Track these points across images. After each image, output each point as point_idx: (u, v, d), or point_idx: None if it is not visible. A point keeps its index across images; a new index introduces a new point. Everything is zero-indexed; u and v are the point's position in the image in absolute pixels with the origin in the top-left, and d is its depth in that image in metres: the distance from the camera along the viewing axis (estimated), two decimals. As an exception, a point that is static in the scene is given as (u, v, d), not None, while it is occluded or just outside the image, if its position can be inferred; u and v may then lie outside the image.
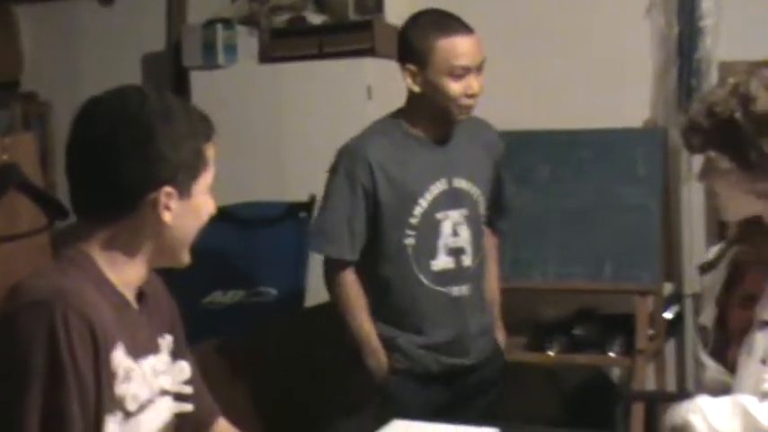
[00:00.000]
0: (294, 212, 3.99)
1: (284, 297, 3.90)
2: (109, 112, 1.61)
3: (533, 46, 4.20)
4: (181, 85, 4.47)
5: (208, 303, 3.87)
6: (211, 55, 4.35)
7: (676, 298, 4.07)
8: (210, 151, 1.66)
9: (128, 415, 1.58)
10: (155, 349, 1.69)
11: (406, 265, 2.68)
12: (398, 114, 2.76)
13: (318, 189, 3.87)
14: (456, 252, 2.73)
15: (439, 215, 2.70)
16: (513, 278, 3.72)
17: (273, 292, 3.90)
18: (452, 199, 2.72)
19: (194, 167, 1.62)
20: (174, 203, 1.60)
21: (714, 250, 2.22)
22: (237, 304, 3.89)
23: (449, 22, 2.61)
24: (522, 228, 3.85)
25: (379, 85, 4.21)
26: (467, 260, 2.75)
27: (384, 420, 2.27)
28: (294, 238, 3.95)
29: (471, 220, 2.75)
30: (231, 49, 4.35)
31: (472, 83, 2.61)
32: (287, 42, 4.33)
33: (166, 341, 1.74)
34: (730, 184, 1.94)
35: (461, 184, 2.73)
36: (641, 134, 3.99)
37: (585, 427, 2.28)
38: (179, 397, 1.75)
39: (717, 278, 2.15)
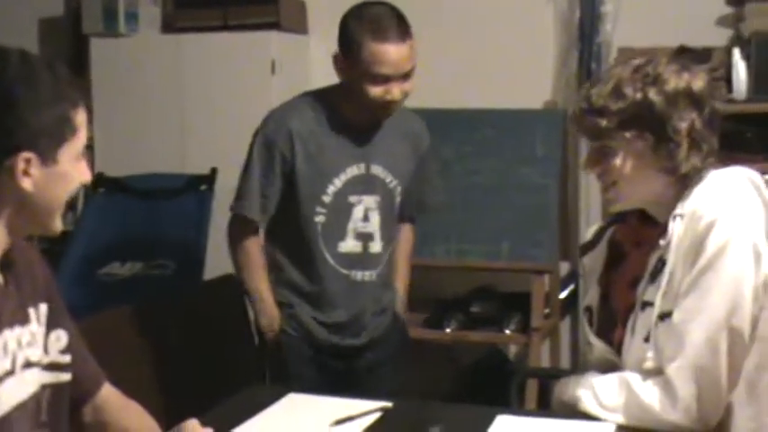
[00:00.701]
0: (195, 185, 3.95)
1: (183, 270, 3.86)
2: None
3: (438, 26, 4.21)
4: (80, 52, 4.38)
5: (105, 275, 3.80)
6: (112, 23, 4.27)
7: (572, 277, 4.16)
8: (79, 117, 1.60)
9: None
10: (23, 320, 1.65)
11: (314, 241, 2.69)
12: (330, 92, 2.74)
13: (220, 162, 3.87)
14: (364, 237, 2.74)
15: (352, 198, 2.71)
16: (413, 255, 3.73)
17: (172, 264, 3.86)
18: (367, 184, 2.72)
19: (59, 133, 1.56)
20: (35, 170, 1.55)
21: (592, 230, 2.25)
22: (135, 276, 3.84)
23: (384, 27, 2.56)
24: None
25: (284, 60, 4.19)
26: (374, 246, 2.76)
27: (281, 393, 2.26)
28: (194, 210, 3.91)
29: (383, 208, 2.76)
30: (133, 18, 4.28)
31: (393, 90, 2.59)
32: (190, 13, 4.28)
33: (40, 311, 1.70)
34: (644, 164, 1.97)
35: (378, 171, 2.73)
36: (542, 115, 4.06)
37: (481, 402, 2.32)
38: (55, 367, 1.72)
39: (598, 258, 2.18)
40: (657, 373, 1.94)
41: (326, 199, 2.68)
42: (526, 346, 3.82)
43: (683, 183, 1.99)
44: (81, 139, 1.61)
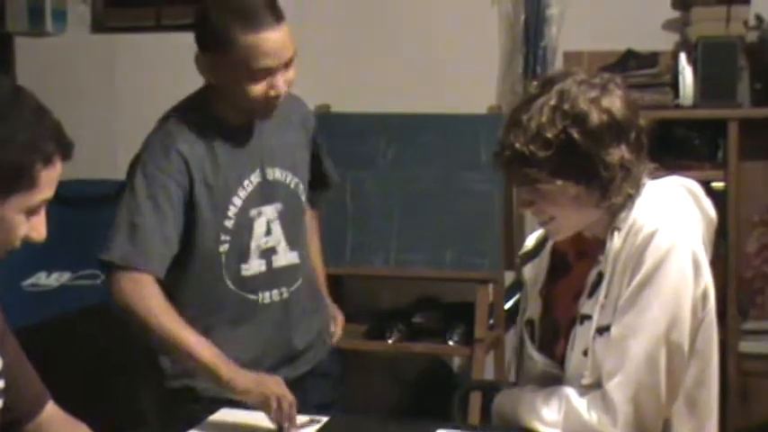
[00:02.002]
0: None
1: (113, 280, 3.73)
2: None
3: (381, 29, 4.18)
4: (4, 52, 4.29)
5: (30, 286, 3.69)
6: (38, 21, 4.21)
7: (517, 287, 4.09)
8: (48, 174, 1.52)
9: None
10: None
11: (216, 274, 2.33)
12: (200, 99, 2.37)
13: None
14: (267, 253, 2.39)
15: (252, 212, 2.36)
16: (353, 264, 3.67)
17: (101, 274, 3.74)
18: (266, 193, 2.38)
19: (11, 180, 1.49)
20: None
21: (533, 239, 2.20)
22: (63, 287, 3.73)
23: (254, 13, 2.20)
24: (363, 213, 3.82)
25: (220, 61, 4.10)
26: (278, 260, 2.42)
27: (213, 408, 2.19)
28: (125, 218, 3.80)
29: (286, 216, 2.42)
30: (60, 16, 4.25)
31: (277, 82, 2.23)
32: (122, 12, 4.24)
33: None
34: (578, 203, 1.92)
35: (276, 174, 2.41)
36: (486, 120, 3.99)
37: (424, 416, 2.25)
38: None
39: (540, 268, 2.12)
40: (596, 387, 1.91)
41: (229, 224, 2.33)
42: (470, 358, 3.75)
43: (618, 207, 1.95)
44: (41, 195, 1.52)
